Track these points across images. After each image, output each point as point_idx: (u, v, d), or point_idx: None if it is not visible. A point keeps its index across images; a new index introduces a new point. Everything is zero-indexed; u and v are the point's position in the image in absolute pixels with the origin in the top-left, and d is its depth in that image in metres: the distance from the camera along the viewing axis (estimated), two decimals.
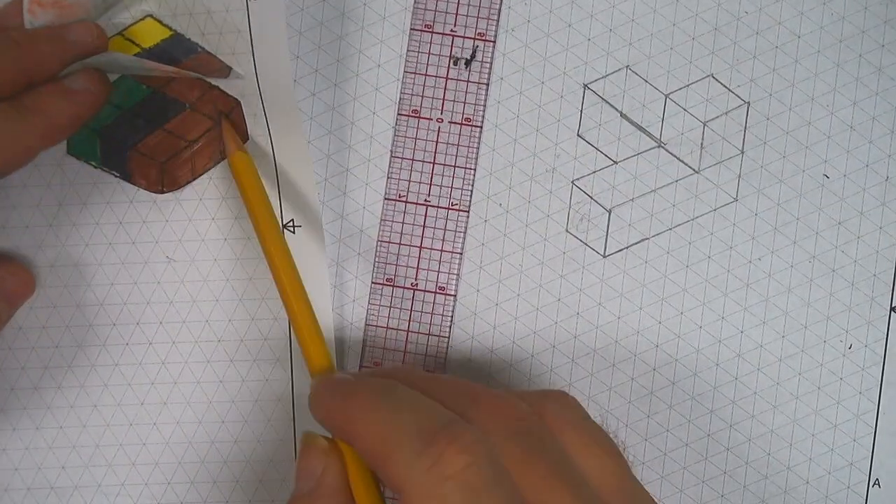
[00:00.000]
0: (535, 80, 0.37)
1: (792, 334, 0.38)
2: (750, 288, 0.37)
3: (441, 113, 0.37)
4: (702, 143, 0.38)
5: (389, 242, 0.37)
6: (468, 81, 0.37)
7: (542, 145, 0.37)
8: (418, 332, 0.37)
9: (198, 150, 0.36)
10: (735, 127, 0.38)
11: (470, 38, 0.37)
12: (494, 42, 0.37)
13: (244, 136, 0.36)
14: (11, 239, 0.36)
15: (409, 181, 0.37)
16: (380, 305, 0.37)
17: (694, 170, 0.38)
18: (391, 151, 0.37)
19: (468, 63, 0.37)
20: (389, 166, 0.37)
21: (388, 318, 0.37)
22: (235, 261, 0.36)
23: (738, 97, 0.38)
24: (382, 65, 0.37)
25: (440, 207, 0.37)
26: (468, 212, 0.37)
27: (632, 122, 0.37)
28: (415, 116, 0.37)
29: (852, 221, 0.38)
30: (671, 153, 0.37)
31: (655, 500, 0.28)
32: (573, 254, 0.37)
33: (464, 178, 0.37)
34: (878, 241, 0.38)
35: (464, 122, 0.37)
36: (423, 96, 0.37)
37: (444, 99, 0.37)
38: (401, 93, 0.37)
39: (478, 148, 0.37)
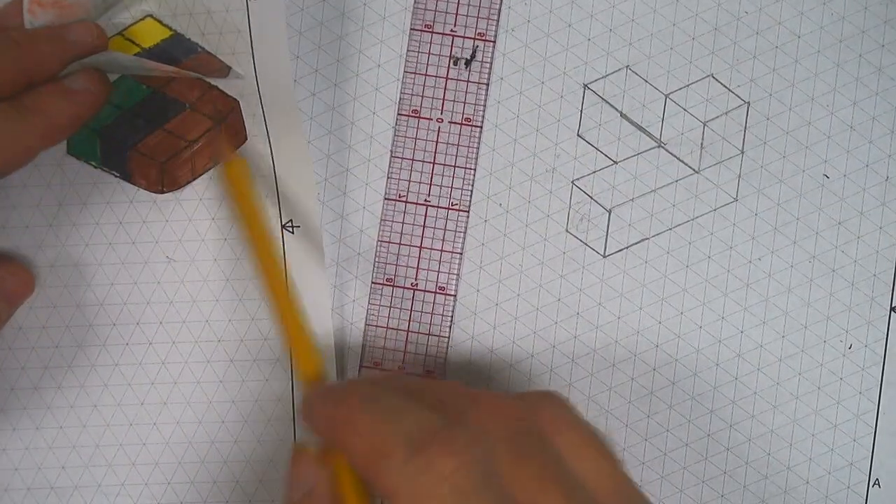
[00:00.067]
0: (535, 80, 0.37)
1: (792, 334, 0.38)
2: (750, 288, 0.37)
3: (441, 113, 0.37)
4: (702, 143, 0.37)
5: (389, 242, 0.37)
6: (468, 81, 0.37)
7: (542, 145, 0.37)
8: (418, 332, 0.37)
9: (198, 150, 0.36)
10: (735, 127, 0.38)
11: (470, 38, 0.37)
12: (494, 42, 0.37)
13: (243, 137, 0.36)
14: (11, 239, 0.36)
15: (409, 181, 0.37)
16: (380, 305, 0.37)
17: (694, 170, 0.38)
18: (391, 151, 0.37)
19: (468, 63, 0.37)
20: (389, 166, 0.37)
21: (388, 318, 0.37)
22: (235, 261, 0.36)
23: (738, 97, 0.38)
24: (382, 65, 0.37)
25: (440, 207, 0.37)
26: (468, 212, 0.37)
27: (632, 122, 0.37)
28: (415, 116, 0.37)
29: (852, 221, 0.38)
30: (671, 153, 0.37)
31: (655, 500, 0.28)
32: (573, 254, 0.37)
33: (464, 178, 0.37)
34: (878, 241, 0.38)
35: (464, 122, 0.37)
36: (423, 96, 0.37)
37: (444, 99, 0.37)
38: (401, 93, 0.37)
39: (478, 148, 0.37)
